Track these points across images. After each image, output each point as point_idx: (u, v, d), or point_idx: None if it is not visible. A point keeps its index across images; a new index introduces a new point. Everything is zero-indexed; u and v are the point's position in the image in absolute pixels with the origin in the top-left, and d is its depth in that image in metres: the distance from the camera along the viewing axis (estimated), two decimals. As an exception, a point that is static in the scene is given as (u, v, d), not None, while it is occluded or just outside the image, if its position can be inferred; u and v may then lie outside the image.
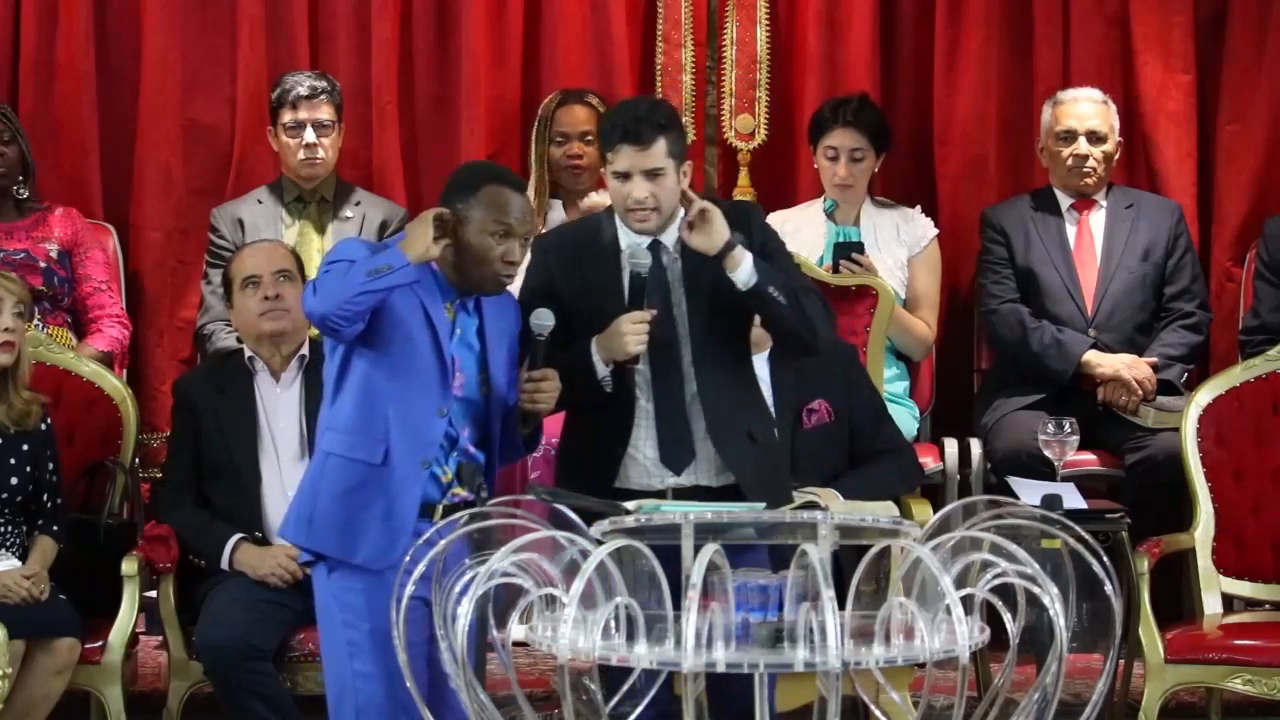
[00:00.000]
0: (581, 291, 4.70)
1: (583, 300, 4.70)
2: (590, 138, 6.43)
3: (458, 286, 4.63)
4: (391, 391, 4.55)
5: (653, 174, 4.59)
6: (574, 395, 4.68)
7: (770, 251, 4.71)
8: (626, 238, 4.69)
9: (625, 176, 4.61)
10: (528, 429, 4.67)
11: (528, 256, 4.70)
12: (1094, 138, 6.27)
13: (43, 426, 5.34)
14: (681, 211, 4.66)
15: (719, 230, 4.58)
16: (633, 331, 4.59)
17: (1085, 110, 6.28)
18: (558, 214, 6.45)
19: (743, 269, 4.58)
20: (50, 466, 5.36)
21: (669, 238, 4.68)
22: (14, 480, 5.27)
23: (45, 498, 5.34)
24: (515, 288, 4.78)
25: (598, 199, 6.03)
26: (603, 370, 4.63)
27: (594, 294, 4.69)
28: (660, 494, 4.62)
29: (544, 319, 4.58)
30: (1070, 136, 6.28)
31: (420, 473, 4.56)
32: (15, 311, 5.29)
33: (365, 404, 4.58)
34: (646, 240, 4.67)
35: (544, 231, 4.98)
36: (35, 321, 5.98)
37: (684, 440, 4.66)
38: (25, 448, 5.30)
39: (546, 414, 4.64)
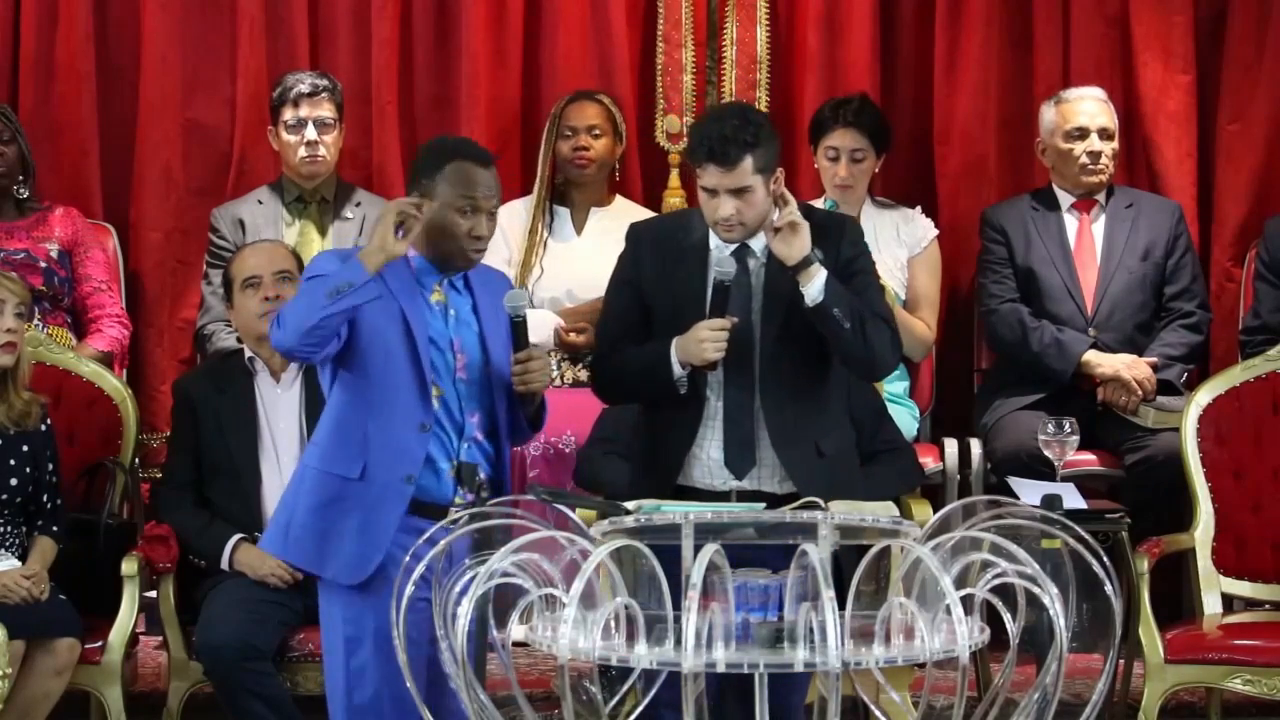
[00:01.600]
0: (665, 287, 4.71)
1: (664, 296, 4.70)
2: (598, 132, 6.43)
3: (437, 265, 4.61)
4: (370, 406, 4.52)
5: (739, 192, 4.58)
6: (649, 391, 4.70)
7: (855, 269, 4.70)
8: (716, 240, 4.70)
9: (713, 193, 4.60)
10: (530, 409, 4.66)
11: (497, 229, 4.67)
12: (1105, 134, 6.27)
13: (42, 427, 5.35)
14: (775, 214, 4.66)
15: (802, 243, 4.57)
16: (711, 339, 4.59)
17: (1093, 108, 6.28)
18: (565, 221, 6.44)
19: (813, 285, 4.56)
20: (50, 467, 5.36)
21: (758, 243, 4.68)
22: (14, 481, 5.27)
23: (45, 498, 5.34)
24: (497, 262, 4.75)
25: None
26: (679, 372, 4.63)
27: (676, 291, 4.69)
28: (724, 495, 4.60)
29: (518, 299, 4.57)
30: (1083, 134, 6.27)
31: (403, 488, 4.50)
32: (16, 312, 5.29)
33: (344, 418, 4.56)
34: (734, 245, 4.67)
35: (638, 222, 4.98)
36: (35, 321, 5.98)
37: (748, 445, 4.65)
38: (25, 448, 5.30)
39: (540, 391, 4.62)
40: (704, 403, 4.66)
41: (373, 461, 4.53)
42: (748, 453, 4.64)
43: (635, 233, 4.84)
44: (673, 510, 4.04)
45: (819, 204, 6.38)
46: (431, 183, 4.55)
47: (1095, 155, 6.26)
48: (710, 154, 4.55)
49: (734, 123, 4.59)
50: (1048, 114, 6.34)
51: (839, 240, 4.72)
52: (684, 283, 4.68)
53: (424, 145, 4.80)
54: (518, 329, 4.58)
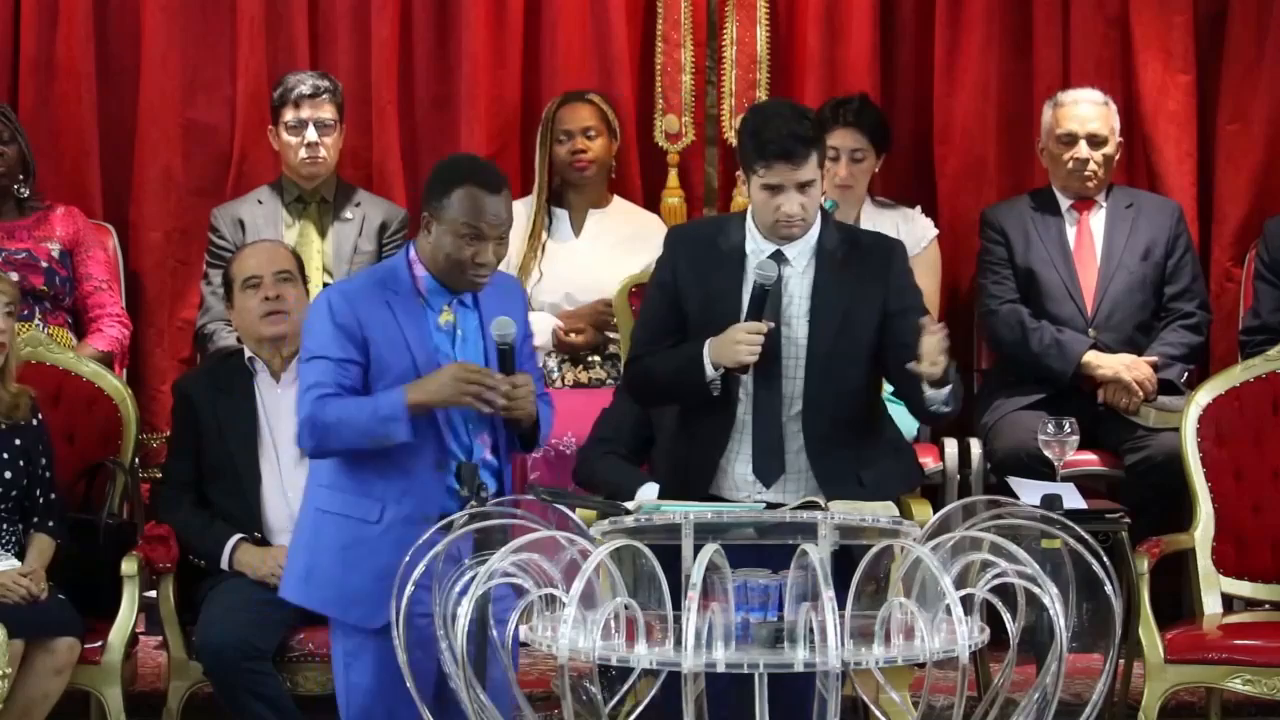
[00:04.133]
0: (701, 290, 4.73)
1: (701, 299, 4.73)
2: (593, 133, 6.42)
3: (445, 285, 4.61)
4: (386, 449, 4.51)
5: (804, 186, 4.63)
6: (681, 392, 4.73)
7: (908, 304, 4.74)
8: (753, 244, 4.71)
9: (775, 190, 4.64)
10: (518, 430, 4.65)
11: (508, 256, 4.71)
12: (1094, 141, 6.26)
13: (34, 421, 5.34)
14: (815, 226, 4.69)
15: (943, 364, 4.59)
16: (747, 342, 4.61)
17: (1086, 113, 6.27)
18: (563, 223, 6.44)
19: (943, 393, 4.62)
20: (44, 462, 5.35)
21: (792, 250, 4.69)
22: (8, 474, 5.27)
23: (40, 493, 5.34)
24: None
25: None
26: (712, 373, 4.66)
27: (713, 295, 4.72)
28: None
29: (506, 328, 4.53)
30: (1071, 140, 6.27)
31: (424, 529, 4.43)
32: (5, 311, 5.28)
33: (356, 462, 4.55)
34: (771, 248, 4.69)
35: (676, 226, 5.01)
36: (36, 321, 5.98)
37: (777, 454, 4.66)
38: (18, 442, 5.30)
39: (524, 418, 4.58)
40: (734, 413, 4.68)
41: (390, 504, 4.52)
42: (776, 460, 4.65)
43: (673, 237, 4.90)
44: (672, 510, 4.04)
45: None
46: (440, 206, 4.53)
47: (1082, 163, 6.25)
48: (782, 152, 4.61)
49: (796, 122, 4.67)
50: (1046, 115, 6.35)
51: (888, 265, 4.77)
52: (720, 286, 4.71)
53: (438, 164, 4.74)
54: (504, 357, 4.55)
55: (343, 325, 4.53)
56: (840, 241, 4.80)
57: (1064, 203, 6.35)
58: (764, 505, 4.58)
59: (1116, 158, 6.35)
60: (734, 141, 6.68)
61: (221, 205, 6.42)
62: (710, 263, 4.76)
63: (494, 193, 4.53)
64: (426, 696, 4.06)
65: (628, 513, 4.18)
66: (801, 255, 4.70)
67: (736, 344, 4.60)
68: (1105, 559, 3.80)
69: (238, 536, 5.32)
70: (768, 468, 4.65)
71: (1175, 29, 6.66)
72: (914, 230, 6.41)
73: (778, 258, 4.69)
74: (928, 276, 6.39)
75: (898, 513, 4.68)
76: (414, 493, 4.52)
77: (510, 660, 4.09)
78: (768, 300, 4.65)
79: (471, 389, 4.46)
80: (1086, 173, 6.26)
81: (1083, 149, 6.25)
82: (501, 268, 5.98)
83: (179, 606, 5.35)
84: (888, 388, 5.97)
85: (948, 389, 4.60)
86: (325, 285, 6.14)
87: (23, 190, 6.24)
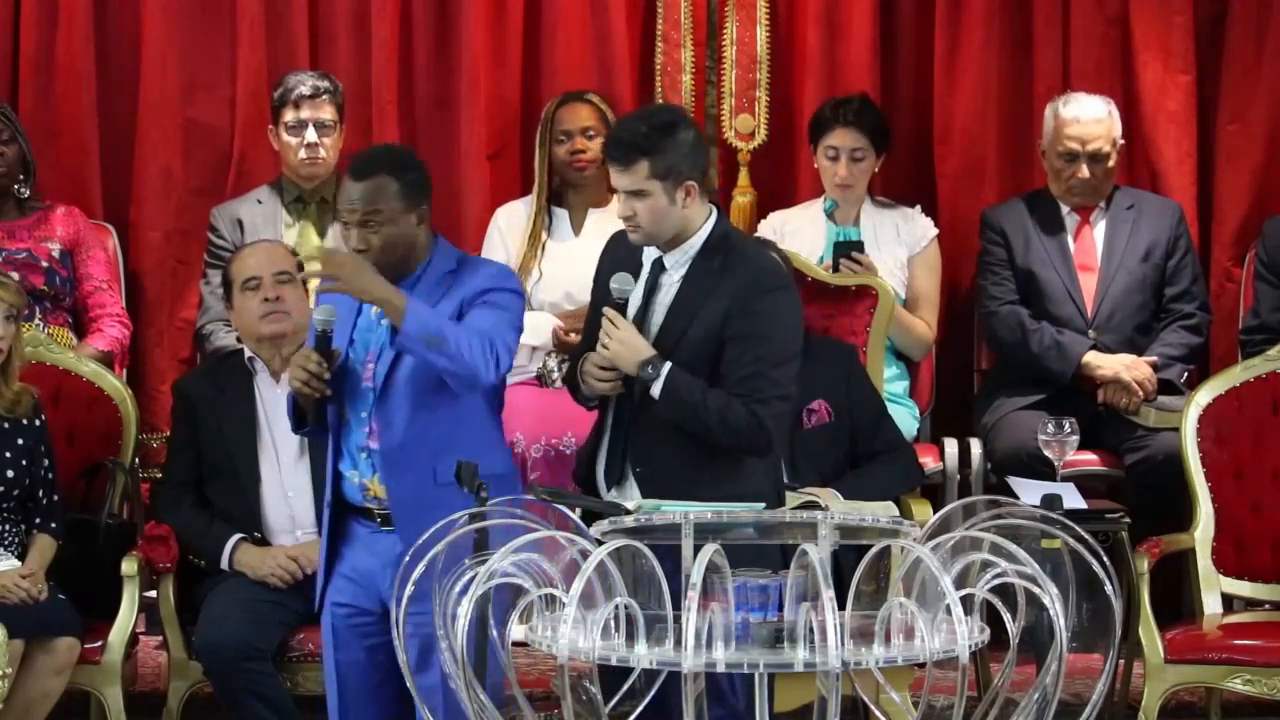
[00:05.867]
0: (603, 296, 4.72)
1: (600, 304, 4.72)
2: (593, 133, 6.42)
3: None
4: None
5: (633, 195, 4.58)
6: (579, 396, 4.75)
7: (735, 333, 4.57)
8: (649, 250, 4.69)
9: (616, 193, 4.67)
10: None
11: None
12: (1097, 157, 6.22)
13: (36, 422, 5.34)
14: (700, 234, 4.65)
15: (629, 354, 4.57)
16: (592, 372, 4.63)
17: (1089, 131, 6.20)
18: (563, 222, 6.43)
19: (654, 391, 4.57)
20: (45, 462, 5.36)
21: (670, 257, 4.67)
22: (10, 473, 5.27)
23: (41, 494, 5.34)
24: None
25: None
26: (585, 388, 4.69)
27: (606, 302, 4.69)
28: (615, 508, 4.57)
29: (325, 314, 4.64)
30: (1072, 157, 6.23)
31: (324, 513, 4.78)
32: (7, 315, 5.28)
33: None
34: (658, 254, 4.67)
35: (619, 231, 5.00)
36: (36, 321, 5.98)
37: (621, 464, 4.66)
38: (20, 442, 5.30)
39: (309, 397, 4.68)
40: (601, 424, 4.71)
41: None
42: (618, 467, 4.65)
43: (614, 236, 4.86)
44: (673, 510, 4.04)
45: (819, 205, 6.39)
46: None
47: (1084, 181, 6.24)
48: (608, 154, 4.63)
49: (636, 124, 4.62)
50: (1049, 119, 6.29)
51: (743, 289, 4.61)
52: (614, 294, 4.68)
53: None
54: (319, 341, 4.65)
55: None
56: (720, 251, 4.66)
57: (1064, 204, 6.35)
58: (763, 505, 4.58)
59: (1116, 159, 6.34)
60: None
61: (221, 205, 6.42)
62: (626, 266, 4.73)
63: (354, 178, 4.66)
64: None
65: (627, 512, 4.18)
66: (679, 262, 4.67)
67: (587, 371, 4.63)
68: (1105, 559, 3.80)
69: (238, 536, 5.32)
70: (612, 473, 4.65)
71: (1175, 29, 6.66)
72: (914, 230, 6.41)
73: (658, 267, 4.67)
74: (928, 276, 6.40)
75: (898, 512, 4.68)
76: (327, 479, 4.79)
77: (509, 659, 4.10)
78: (626, 307, 4.64)
79: (303, 374, 4.63)
80: (1086, 189, 6.25)
81: (1084, 169, 6.22)
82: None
83: (179, 607, 5.35)
84: (888, 388, 6.01)
85: (654, 390, 4.56)
86: (325, 285, 6.16)
87: (23, 190, 6.24)
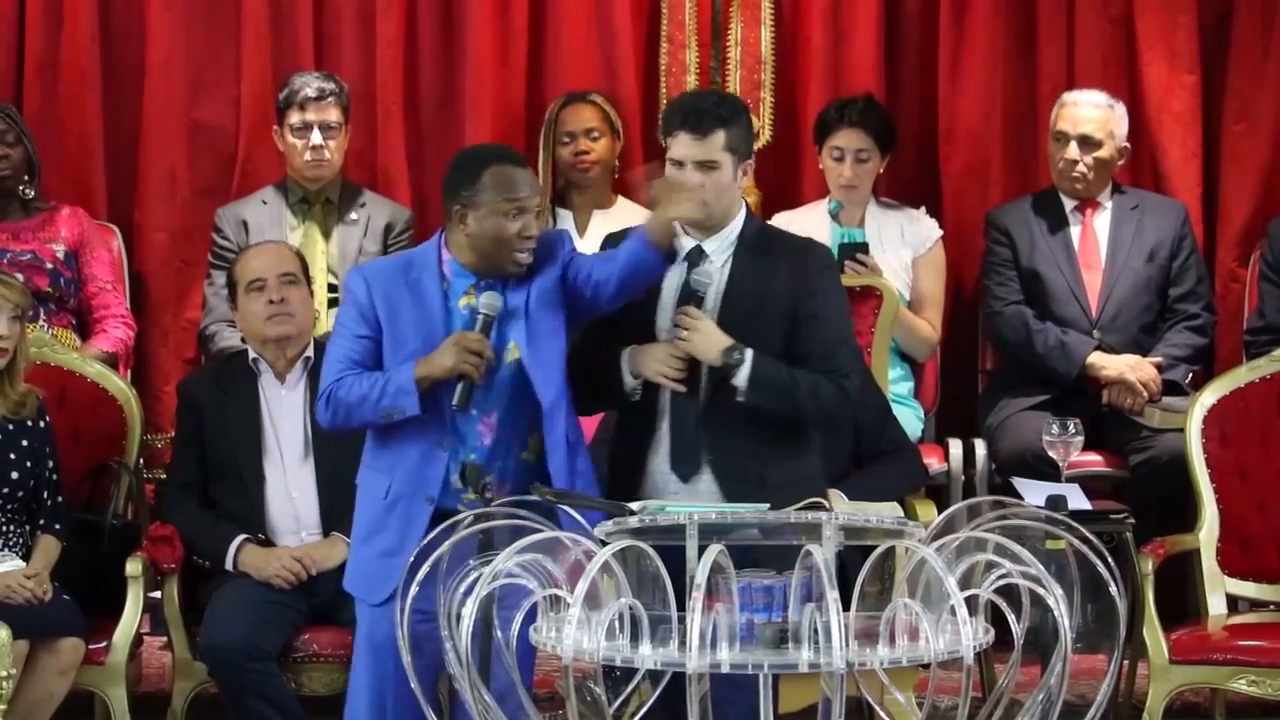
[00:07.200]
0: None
1: (636, 303, 4.70)
2: (596, 134, 6.43)
3: (479, 271, 4.65)
4: (393, 425, 4.62)
5: (706, 166, 4.58)
6: (603, 398, 4.74)
7: (809, 311, 4.62)
8: (683, 245, 4.68)
9: (679, 165, 4.61)
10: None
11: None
12: (1085, 142, 6.24)
13: (41, 423, 5.35)
14: (737, 221, 4.66)
15: (710, 343, 4.57)
16: (665, 361, 4.59)
17: (1083, 114, 6.26)
18: (567, 224, 6.44)
19: (740, 380, 4.57)
20: (50, 464, 5.36)
21: (712, 244, 4.67)
22: (14, 474, 5.27)
23: (46, 495, 5.34)
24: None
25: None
26: (631, 383, 4.65)
27: (646, 299, 4.68)
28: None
29: (491, 300, 4.59)
30: (1062, 139, 6.27)
31: (423, 508, 4.59)
32: (13, 315, 5.28)
33: (376, 438, 4.71)
34: (691, 243, 4.66)
35: (614, 232, 4.98)
36: (40, 323, 5.98)
37: (694, 450, 4.63)
38: (25, 443, 5.30)
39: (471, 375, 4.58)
40: (655, 410, 4.66)
41: (396, 482, 4.64)
42: (693, 456, 4.63)
43: (609, 238, 4.85)
44: (677, 511, 4.04)
45: (823, 205, 6.38)
46: (472, 193, 4.60)
47: (1071, 163, 6.26)
48: (684, 122, 4.59)
49: (711, 98, 4.69)
50: (1053, 112, 6.35)
51: (803, 267, 4.68)
52: (651, 291, 4.68)
53: (455, 158, 4.84)
54: (483, 327, 4.60)
55: (358, 302, 4.67)
56: (761, 236, 4.74)
57: (1068, 204, 6.35)
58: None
59: (1119, 162, 6.34)
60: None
61: (225, 206, 6.42)
62: None
63: (522, 166, 4.66)
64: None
65: (632, 513, 4.18)
66: (721, 249, 4.67)
67: (657, 362, 4.60)
68: (1110, 560, 3.80)
69: (242, 537, 5.32)
70: (685, 466, 4.63)
71: (1180, 29, 6.66)
72: (919, 231, 6.41)
73: (696, 254, 4.66)
74: (933, 277, 6.40)
75: (902, 513, 4.67)
76: (415, 471, 4.62)
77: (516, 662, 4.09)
78: (683, 295, 4.64)
79: (471, 357, 4.54)
80: (1074, 174, 6.26)
81: (1072, 150, 6.24)
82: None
83: (183, 607, 5.35)
84: (892, 389, 6.01)
85: (739, 377, 4.55)
86: (330, 287, 6.15)
87: (28, 191, 6.24)
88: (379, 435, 4.68)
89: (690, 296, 4.62)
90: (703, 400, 4.62)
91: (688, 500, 4.56)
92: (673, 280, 4.68)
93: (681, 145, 4.60)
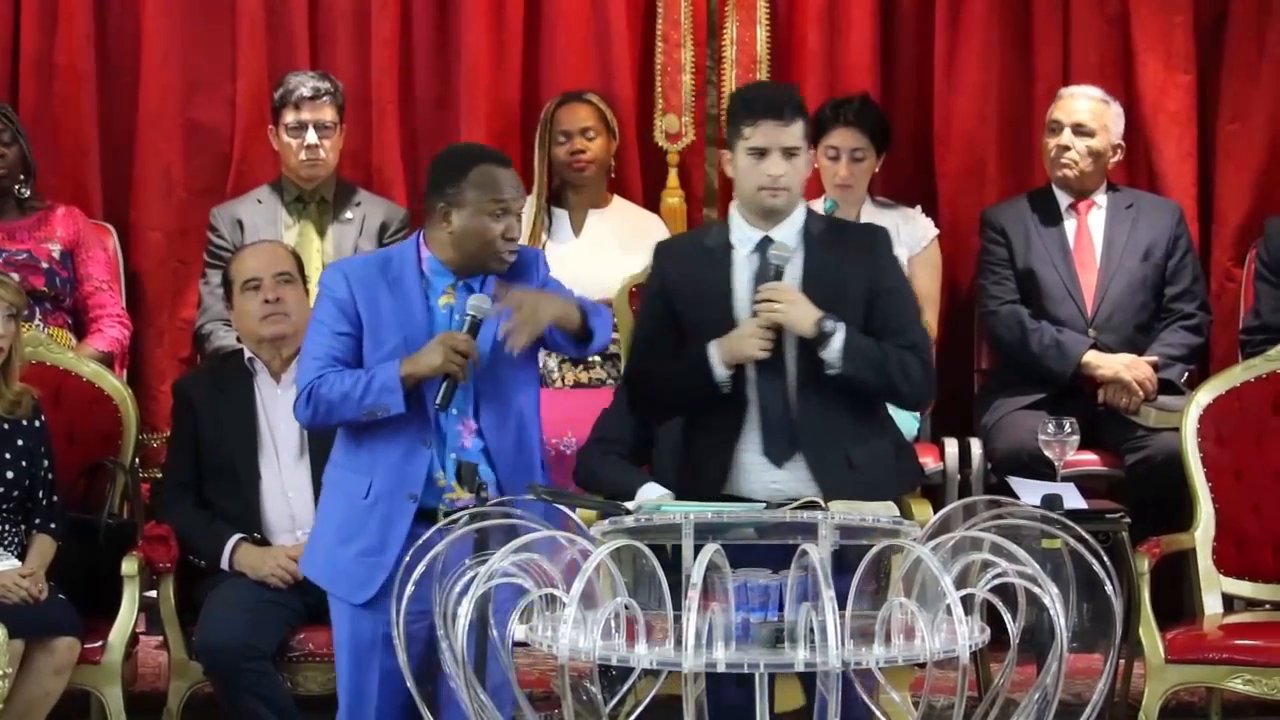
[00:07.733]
0: (693, 291, 4.74)
1: (693, 301, 4.73)
2: (592, 133, 6.43)
3: (458, 270, 4.64)
4: (373, 423, 4.58)
5: (790, 152, 4.64)
6: (690, 399, 4.73)
7: (886, 286, 4.73)
8: (739, 234, 4.73)
9: (763, 153, 4.65)
10: (568, 333, 4.64)
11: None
12: (1078, 130, 6.26)
13: (36, 423, 5.34)
14: (800, 210, 4.71)
15: (802, 313, 4.61)
16: (757, 335, 4.61)
17: (1078, 105, 6.28)
18: (563, 223, 6.44)
19: (830, 354, 4.61)
20: (45, 463, 5.35)
21: (779, 231, 4.69)
22: (10, 474, 5.27)
23: (41, 494, 5.34)
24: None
25: None
26: (722, 373, 4.65)
27: (706, 295, 4.72)
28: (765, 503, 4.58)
29: (480, 302, 4.57)
30: (1056, 127, 6.28)
31: (406, 506, 4.57)
32: (8, 314, 5.27)
33: (352, 436, 4.65)
34: (758, 235, 4.69)
35: (663, 240, 4.99)
36: (36, 322, 5.98)
37: (786, 434, 4.66)
38: (20, 442, 5.30)
39: (532, 332, 4.55)
40: (742, 403, 4.68)
41: (377, 481, 4.61)
42: (785, 440, 4.65)
43: (659, 248, 4.92)
44: (672, 510, 4.04)
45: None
46: (457, 190, 4.58)
47: (1062, 149, 6.27)
48: (768, 110, 4.65)
49: (787, 88, 4.83)
50: (1050, 107, 6.36)
51: (872, 249, 4.76)
52: (711, 285, 4.70)
53: (440, 155, 4.81)
54: (471, 328, 4.58)
55: (337, 298, 4.64)
56: (824, 226, 4.82)
57: (1063, 202, 6.35)
58: (763, 505, 4.57)
59: (1114, 159, 6.34)
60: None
61: (221, 205, 6.42)
62: (698, 264, 4.75)
63: (507, 166, 4.65)
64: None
65: (628, 513, 4.18)
66: (788, 239, 4.70)
67: (745, 338, 4.61)
68: (1105, 559, 3.80)
69: (238, 536, 5.32)
70: (778, 449, 4.65)
71: (1176, 29, 6.66)
72: (914, 230, 6.42)
73: (765, 243, 4.68)
74: (928, 276, 6.40)
75: (898, 512, 4.67)
76: (397, 469, 4.59)
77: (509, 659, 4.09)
78: (758, 278, 4.66)
79: (458, 357, 4.52)
80: (1065, 160, 6.27)
81: (1065, 136, 6.26)
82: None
83: (179, 606, 5.35)
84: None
85: (832, 348, 4.59)
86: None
87: (23, 191, 6.24)
88: (353, 435, 4.63)
89: (773, 273, 4.65)
90: (792, 379, 4.66)
91: (784, 487, 4.61)
92: (743, 273, 4.71)
93: (767, 133, 4.65)
